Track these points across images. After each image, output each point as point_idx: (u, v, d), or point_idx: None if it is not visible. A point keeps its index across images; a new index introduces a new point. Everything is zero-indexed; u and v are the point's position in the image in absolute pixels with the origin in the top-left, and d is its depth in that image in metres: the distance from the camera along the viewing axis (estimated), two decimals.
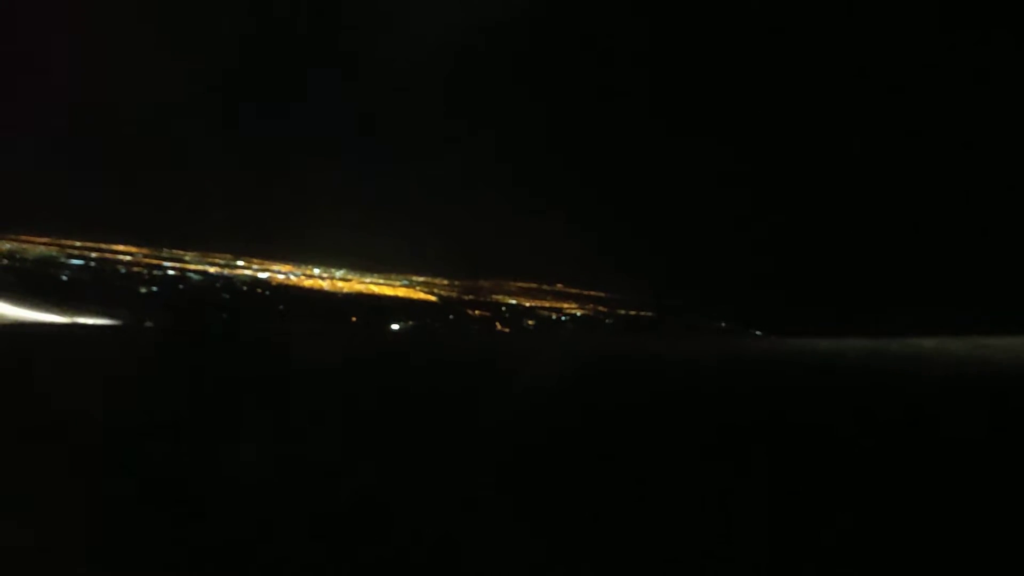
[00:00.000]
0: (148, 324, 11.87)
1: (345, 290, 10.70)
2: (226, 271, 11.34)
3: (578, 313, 9.26)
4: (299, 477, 5.48)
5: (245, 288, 10.83)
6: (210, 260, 11.65)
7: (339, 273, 11.01)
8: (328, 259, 11.30)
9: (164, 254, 11.82)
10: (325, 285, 10.83)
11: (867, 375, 7.47)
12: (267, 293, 10.91)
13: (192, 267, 11.55)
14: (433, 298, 10.18)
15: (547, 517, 5.57)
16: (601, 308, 9.27)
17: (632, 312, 9.09)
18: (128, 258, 11.90)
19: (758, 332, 8.51)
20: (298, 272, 11.13)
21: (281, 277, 11.09)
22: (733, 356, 8.46)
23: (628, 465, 5.79)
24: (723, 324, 8.70)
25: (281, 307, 10.47)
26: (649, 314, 8.98)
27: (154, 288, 11.27)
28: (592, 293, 9.40)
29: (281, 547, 4.47)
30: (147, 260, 11.79)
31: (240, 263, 11.44)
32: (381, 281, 10.73)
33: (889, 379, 7.22)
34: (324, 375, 7.51)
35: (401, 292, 10.40)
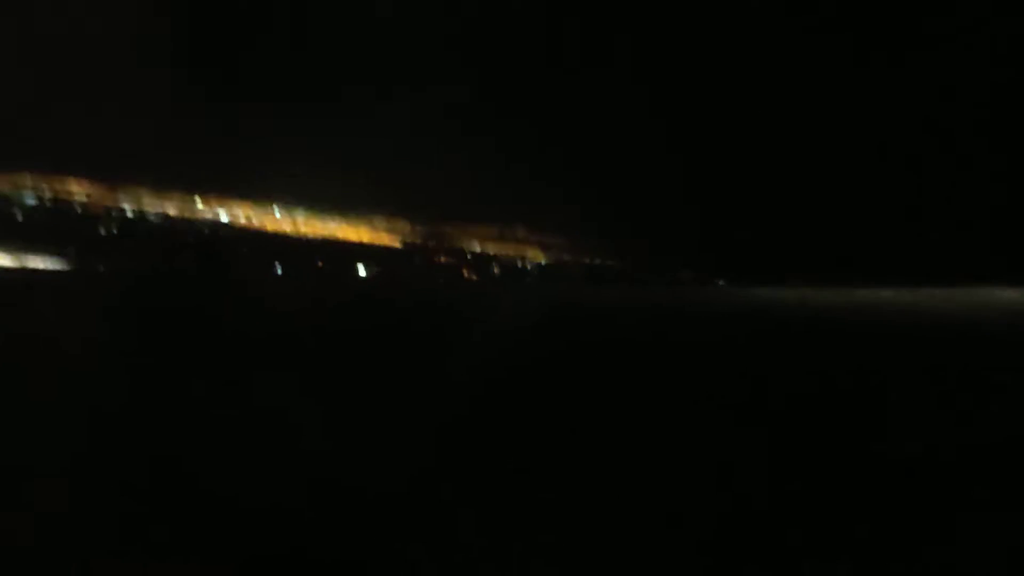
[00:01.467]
0: (102, 268, 11.74)
1: (309, 233, 10.67)
2: (186, 213, 11.20)
3: (543, 261, 9.38)
4: (269, 422, 5.57)
5: (207, 230, 10.74)
6: (168, 200, 11.49)
7: (300, 215, 10.95)
8: (289, 201, 11.23)
9: (121, 194, 11.61)
10: (287, 228, 10.78)
11: (827, 323, 7.78)
12: (230, 235, 10.83)
13: (151, 208, 11.38)
14: (398, 243, 10.21)
15: (511, 460, 5.74)
16: (566, 256, 9.41)
17: (597, 261, 9.24)
18: (84, 198, 11.67)
19: (721, 282, 8.75)
20: (259, 213, 11.04)
21: (243, 219, 10.99)
22: (695, 305, 8.72)
23: (592, 410, 5.98)
24: (686, 273, 8.90)
25: (245, 250, 10.43)
26: (613, 263, 9.13)
27: (113, 230, 11.10)
28: (556, 241, 9.52)
29: (256, 491, 4.57)
30: (104, 200, 11.58)
31: (199, 204, 11.30)
32: (343, 223, 10.70)
33: (848, 328, 7.53)
34: (296, 321, 7.56)
35: (365, 236, 10.41)
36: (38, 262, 11.81)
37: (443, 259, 9.71)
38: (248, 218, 10.99)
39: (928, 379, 6.50)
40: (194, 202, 11.28)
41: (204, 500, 4.20)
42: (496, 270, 9.30)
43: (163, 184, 11.34)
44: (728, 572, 3.70)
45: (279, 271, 9.68)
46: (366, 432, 5.16)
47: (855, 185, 8.95)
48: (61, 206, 11.77)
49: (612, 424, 5.43)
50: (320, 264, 9.96)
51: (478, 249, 9.88)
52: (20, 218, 11.75)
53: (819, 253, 8.44)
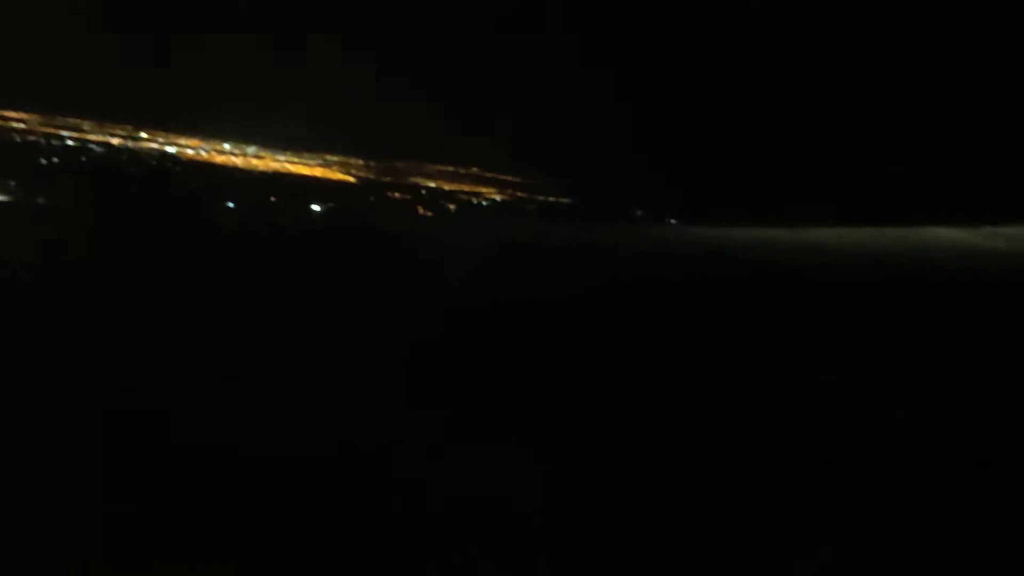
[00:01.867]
0: (42, 200, 11.39)
1: (260, 168, 10.47)
2: (130, 143, 10.89)
3: (498, 198, 9.38)
4: (228, 362, 5.60)
5: (154, 163, 10.48)
6: (111, 131, 11.15)
7: (251, 150, 10.73)
8: (237, 135, 10.98)
9: (60, 122, 11.23)
10: (238, 162, 10.55)
11: (776, 263, 7.95)
12: (177, 169, 10.59)
13: (92, 138, 11.04)
14: (351, 179, 10.09)
15: (465, 400, 5.89)
16: (520, 194, 9.41)
17: (551, 199, 9.27)
18: (22, 125, 11.26)
19: (673, 221, 8.88)
20: (207, 147, 10.79)
21: (190, 152, 10.73)
22: (649, 244, 8.84)
23: (550, 349, 6.10)
24: (639, 213, 8.99)
25: (194, 185, 10.22)
26: (567, 201, 9.17)
27: (54, 159, 10.77)
28: (510, 179, 9.50)
29: (209, 428, 4.61)
30: (43, 128, 11.19)
31: (143, 135, 10.99)
32: (296, 160, 10.53)
33: (797, 268, 7.71)
34: (250, 258, 7.49)
35: (318, 172, 10.25)
36: None
37: (397, 195, 9.65)
38: (196, 151, 10.75)
39: (877, 319, 6.73)
40: (139, 135, 10.99)
41: (160, 432, 4.21)
42: (450, 207, 9.29)
43: (107, 116, 11.01)
44: (691, 520, 3.84)
45: (230, 206, 9.54)
46: (322, 369, 5.20)
47: (807, 124, 9.09)
48: (1, 138, 11.38)
49: (567, 362, 5.54)
50: (272, 199, 9.82)
51: (432, 186, 9.83)
52: None
53: (771, 192, 8.59)
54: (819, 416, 5.10)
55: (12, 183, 11.92)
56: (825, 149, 9.20)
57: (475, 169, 9.66)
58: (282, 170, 10.61)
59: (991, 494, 3.93)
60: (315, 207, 9.89)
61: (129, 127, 11.58)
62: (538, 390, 5.22)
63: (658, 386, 5.27)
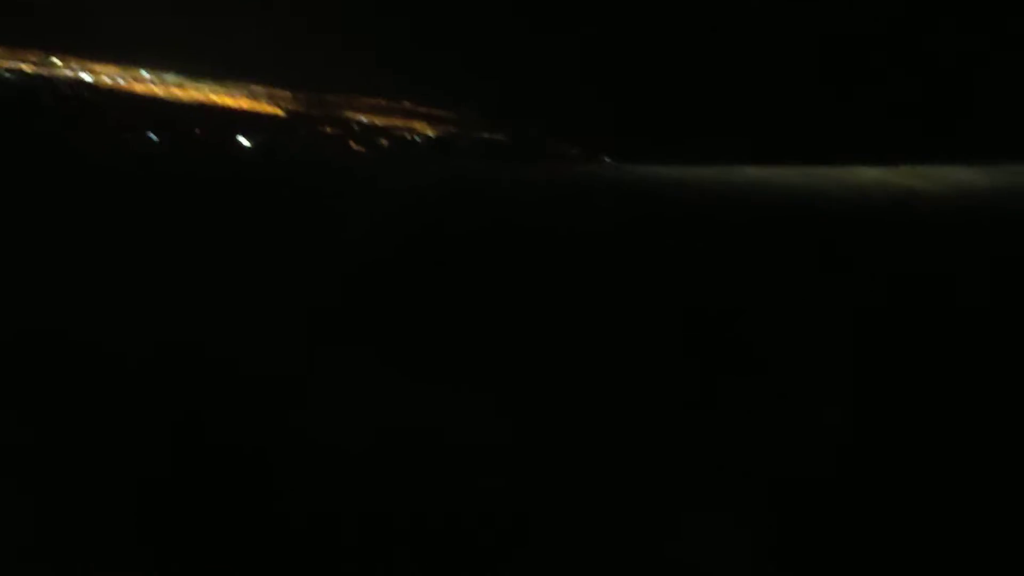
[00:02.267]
0: None
1: (182, 98, 10.11)
2: (43, 71, 10.40)
3: (432, 135, 9.27)
4: (152, 299, 5.52)
5: (69, 91, 10.03)
6: (21, 57, 10.62)
7: (171, 79, 10.35)
8: (155, 62, 10.56)
9: None
10: (159, 91, 10.17)
11: (712, 201, 8.09)
12: (94, 98, 10.16)
13: (3, 64, 10.50)
14: (279, 111, 9.83)
15: (395, 337, 5.95)
16: (454, 130, 9.32)
17: (486, 136, 9.21)
18: None
19: (607, 159, 8.94)
20: (125, 75, 10.36)
21: (107, 80, 10.30)
22: (585, 182, 8.88)
23: (482, 287, 6.14)
24: (574, 151, 9.02)
25: (113, 114, 9.83)
26: (501, 138, 9.13)
27: None
28: (444, 114, 9.39)
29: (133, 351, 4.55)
30: None
31: (56, 61, 10.50)
32: (220, 90, 10.19)
33: (730, 205, 7.86)
34: (175, 192, 7.29)
35: (244, 103, 9.95)
36: None
37: (328, 130, 9.46)
38: (113, 80, 10.32)
39: (800, 256, 6.93)
40: (52, 62, 10.49)
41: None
42: (384, 142, 9.16)
43: (17, 41, 10.47)
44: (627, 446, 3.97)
45: (153, 138, 9.22)
46: (251, 306, 5.16)
47: (737, 63, 9.19)
48: None
49: (499, 300, 5.61)
50: (198, 132, 9.53)
51: (364, 120, 9.65)
52: None
53: (703, 130, 8.71)
54: (744, 352, 5.28)
55: None
56: (754, 88, 9.34)
57: (407, 103, 9.51)
58: (206, 101, 10.28)
59: (901, 434, 4.15)
60: (243, 141, 9.64)
61: (41, 53, 11.05)
62: (470, 326, 5.29)
63: (590, 322, 5.37)
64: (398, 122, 9.80)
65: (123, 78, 10.33)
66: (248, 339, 4.56)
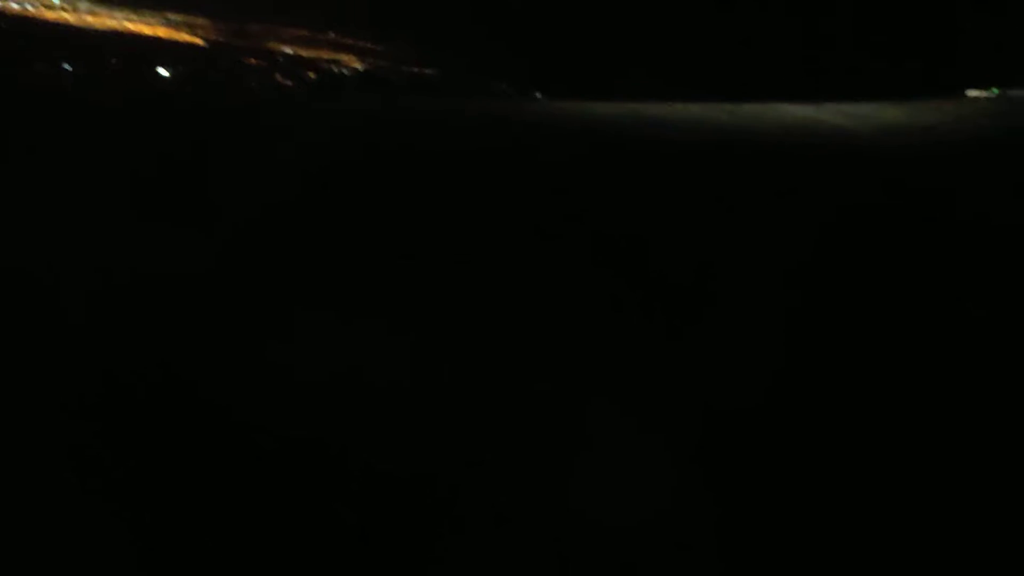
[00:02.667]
0: None
1: (96, 26, 9.64)
2: None
3: (360, 67, 9.04)
4: (79, 236, 5.34)
5: None
6: None
7: (84, 6, 9.86)
8: None
9: None
10: (71, 19, 9.69)
11: (640, 136, 8.11)
12: (2, 26, 9.60)
13: None
14: (200, 41, 9.46)
15: (320, 271, 5.86)
16: (383, 64, 9.11)
17: (415, 70, 9.02)
18: None
19: (538, 95, 8.85)
20: (35, 1, 9.83)
21: (15, 7, 9.75)
22: (515, 116, 8.80)
23: (411, 221, 6.09)
24: (504, 86, 8.91)
25: (21, 42, 9.32)
26: (431, 72, 8.96)
27: None
28: (372, 47, 9.15)
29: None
30: None
31: None
32: (135, 18, 9.75)
33: (657, 140, 7.90)
34: (90, 125, 7.01)
35: (162, 32, 9.55)
36: None
37: (252, 61, 9.14)
38: (22, 5, 9.78)
39: (726, 191, 7.03)
40: None
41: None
42: (311, 75, 8.90)
43: None
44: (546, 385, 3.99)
45: (67, 68, 8.79)
46: (172, 238, 5.04)
47: (667, 3, 9.17)
48: None
49: (425, 234, 5.58)
50: (114, 62, 9.12)
51: (289, 52, 9.36)
52: None
53: (634, 68, 8.70)
54: (673, 282, 5.33)
55: None
56: (684, 28, 9.34)
57: (333, 36, 9.24)
58: (121, 29, 9.82)
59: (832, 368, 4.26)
60: (162, 71, 9.25)
61: None
62: (396, 261, 5.25)
63: (511, 253, 5.38)
64: (325, 55, 9.53)
65: (32, 4, 9.81)
66: (173, 269, 4.46)
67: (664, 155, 7.26)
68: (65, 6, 9.77)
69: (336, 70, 9.09)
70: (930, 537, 2.96)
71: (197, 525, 2.60)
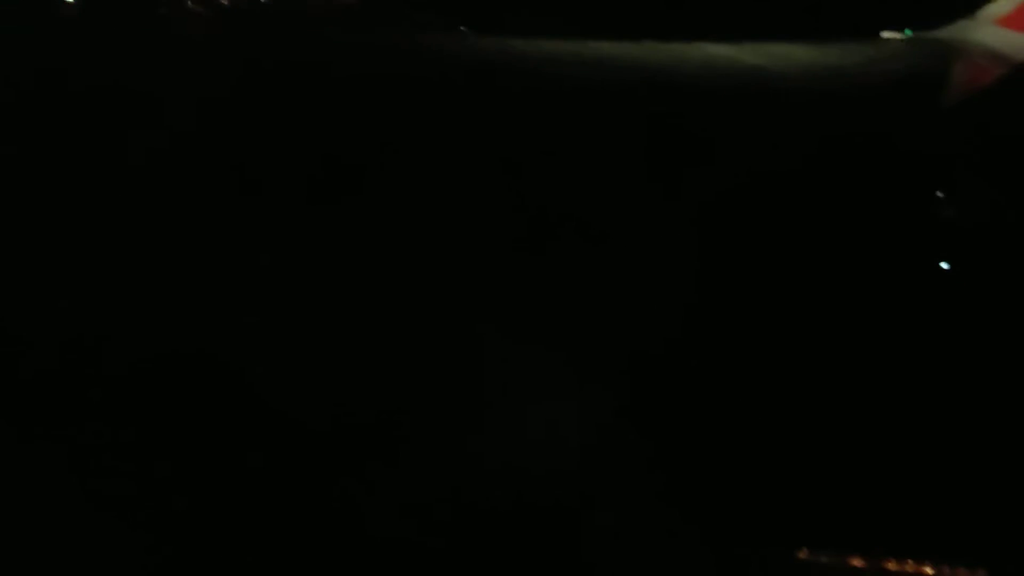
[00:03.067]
0: None
1: None
2: None
3: None
4: None
5: None
6: None
7: None
8: None
9: None
10: None
11: (562, 72, 8.07)
12: None
13: None
14: None
15: (224, 195, 5.77)
16: None
17: (335, 2, 8.76)
18: None
19: (463, 28, 8.72)
20: None
21: None
22: (438, 50, 8.66)
23: (334, 152, 6.00)
24: (431, 20, 8.75)
25: None
26: (352, 2, 8.72)
27: None
28: None
29: None
30: None
31: None
32: None
33: (580, 77, 7.87)
34: None
35: None
36: None
37: None
38: None
39: (641, 128, 7.08)
40: None
41: None
42: (224, 2, 8.57)
43: None
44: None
45: None
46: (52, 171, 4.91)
47: None
48: None
49: (350, 167, 5.51)
50: None
51: None
52: None
53: (558, 3, 8.63)
54: (582, 225, 5.39)
55: None
56: None
57: None
58: None
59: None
60: None
61: None
62: (302, 194, 5.19)
63: (425, 191, 5.36)
64: None
65: None
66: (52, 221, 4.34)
67: (579, 94, 7.22)
68: None
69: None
70: (836, 462, 3.08)
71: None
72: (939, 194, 5.45)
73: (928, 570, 3.01)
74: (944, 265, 4.92)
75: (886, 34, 9.43)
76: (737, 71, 8.86)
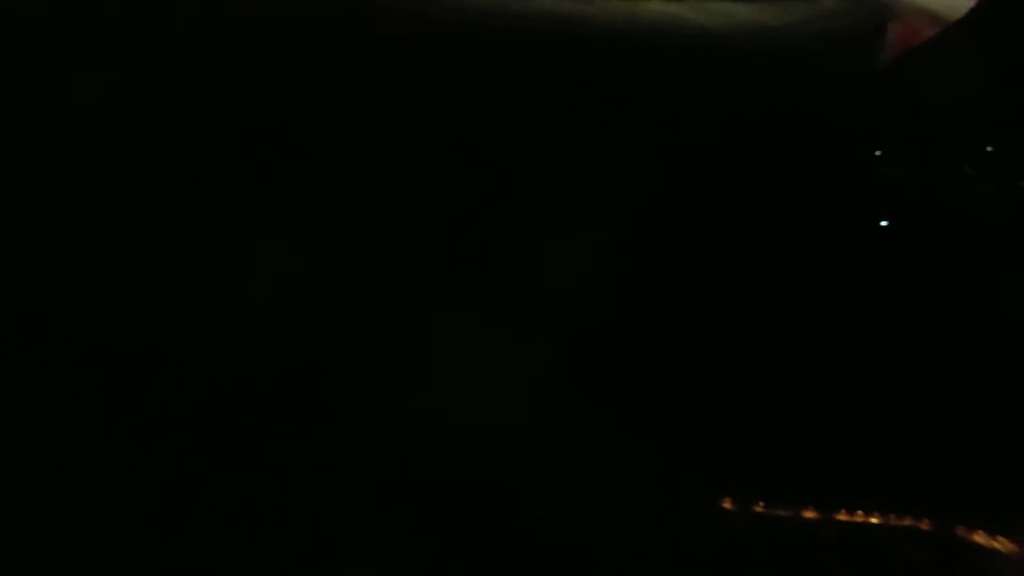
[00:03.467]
0: None
1: None
2: None
3: None
4: None
5: None
6: None
7: None
8: None
9: None
10: None
11: (488, 29, 7.83)
12: None
13: None
14: None
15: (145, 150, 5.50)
16: None
17: None
18: None
19: None
20: None
21: None
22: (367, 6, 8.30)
23: (264, 110, 5.76)
24: None
25: None
26: None
27: None
28: None
29: None
30: None
31: None
32: None
33: (497, 30, 7.61)
34: None
35: None
36: None
37: None
38: None
39: (571, 89, 6.89)
40: None
41: None
42: None
43: None
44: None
45: None
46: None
47: None
48: None
49: (278, 123, 5.32)
50: None
51: None
52: None
53: None
54: (506, 185, 5.18)
55: None
56: None
57: None
58: None
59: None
60: None
61: None
62: (216, 141, 4.84)
63: (337, 139, 5.04)
64: None
65: None
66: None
67: (509, 50, 6.95)
68: None
69: None
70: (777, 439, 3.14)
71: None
72: (877, 153, 5.46)
73: (874, 520, 3.03)
74: (883, 223, 4.95)
75: None
76: (679, 29, 8.70)
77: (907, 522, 2.17)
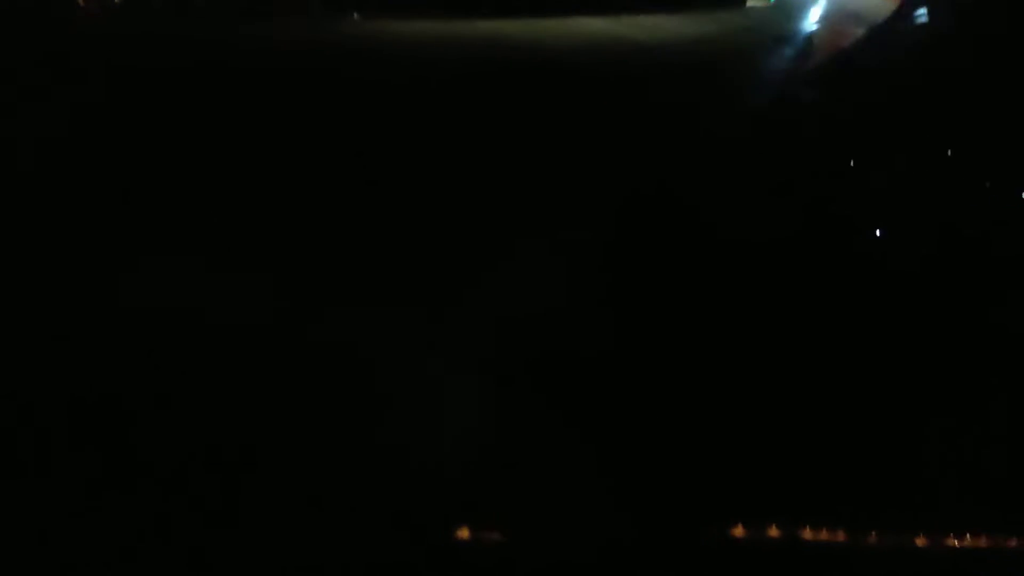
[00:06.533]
0: None
1: None
2: None
3: None
4: None
5: None
6: None
7: None
8: None
9: None
10: None
11: (448, 54, 8.22)
12: None
13: None
14: None
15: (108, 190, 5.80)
16: None
17: None
18: None
19: (356, 15, 8.72)
20: None
21: None
22: (332, 36, 8.65)
23: (232, 140, 6.06)
24: (319, 4, 8.74)
25: None
26: None
27: None
28: None
29: None
30: None
31: None
32: None
33: (448, 59, 8.03)
34: None
35: None
36: None
37: None
38: None
39: (531, 105, 7.29)
40: None
41: None
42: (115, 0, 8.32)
43: None
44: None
45: None
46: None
47: None
48: None
49: (243, 148, 5.60)
50: None
51: None
52: None
53: None
54: (465, 201, 5.63)
55: None
56: None
57: None
58: None
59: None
60: None
61: None
62: (197, 182, 5.33)
63: (319, 177, 5.53)
64: None
65: None
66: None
67: (457, 75, 7.33)
68: None
69: None
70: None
71: None
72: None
73: (841, 537, 3.19)
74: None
75: (752, 2, 9.89)
76: (613, 45, 9.12)
77: (874, 538, 2.46)
